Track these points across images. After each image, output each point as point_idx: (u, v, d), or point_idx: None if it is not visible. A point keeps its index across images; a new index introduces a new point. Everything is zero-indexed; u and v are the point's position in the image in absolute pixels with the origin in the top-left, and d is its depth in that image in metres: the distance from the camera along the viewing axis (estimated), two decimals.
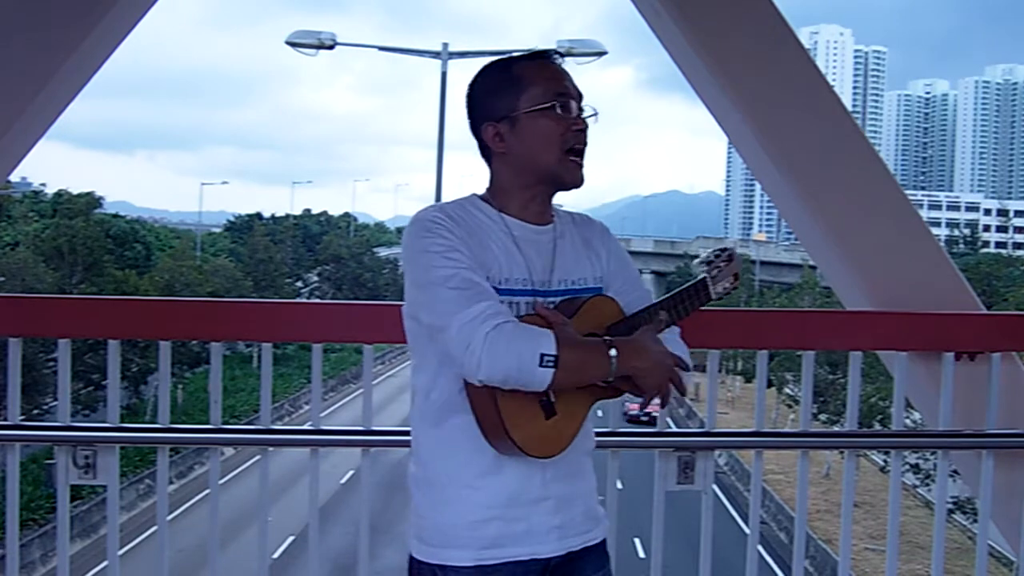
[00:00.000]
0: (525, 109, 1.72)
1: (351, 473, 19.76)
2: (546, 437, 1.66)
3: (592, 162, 1.85)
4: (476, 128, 1.78)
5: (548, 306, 1.70)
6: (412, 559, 1.75)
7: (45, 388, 21.39)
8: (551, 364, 1.57)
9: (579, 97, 1.76)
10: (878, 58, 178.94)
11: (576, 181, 1.76)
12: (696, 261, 1.86)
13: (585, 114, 1.76)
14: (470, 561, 1.69)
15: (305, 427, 2.81)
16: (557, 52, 1.81)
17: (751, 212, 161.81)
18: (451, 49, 15.09)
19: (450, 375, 1.67)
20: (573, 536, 1.77)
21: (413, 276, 1.69)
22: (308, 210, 68.50)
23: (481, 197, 1.79)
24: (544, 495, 1.72)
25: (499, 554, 1.70)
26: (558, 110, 1.72)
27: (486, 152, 1.79)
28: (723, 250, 1.85)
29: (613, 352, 1.61)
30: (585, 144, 1.76)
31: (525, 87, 1.73)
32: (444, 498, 1.71)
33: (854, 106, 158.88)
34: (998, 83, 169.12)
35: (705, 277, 1.82)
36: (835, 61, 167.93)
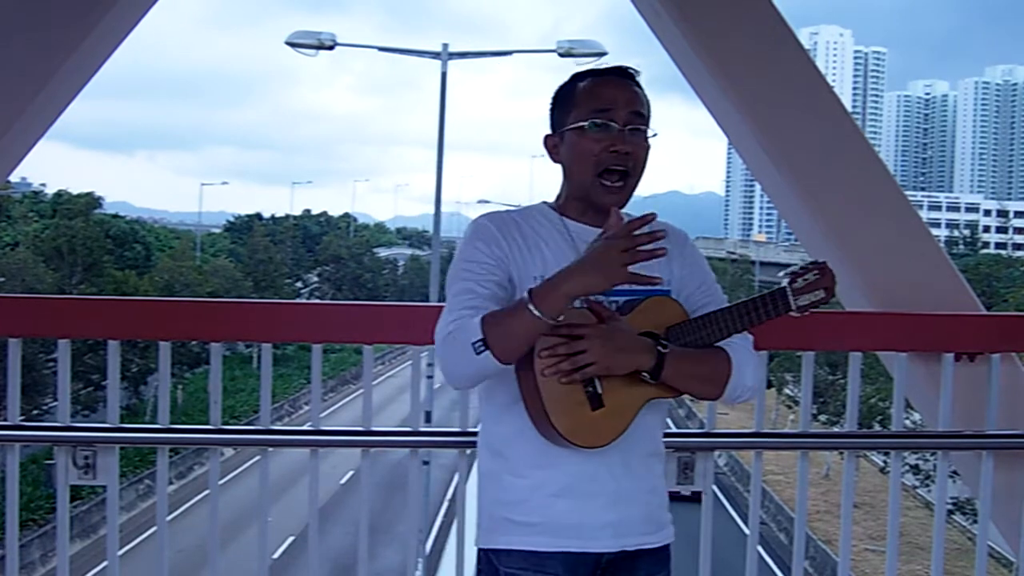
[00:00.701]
0: (569, 126, 1.80)
1: (351, 473, 19.77)
2: (592, 428, 1.68)
3: None
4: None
5: (608, 305, 1.73)
6: (477, 551, 1.83)
7: (45, 388, 21.38)
8: (483, 347, 1.62)
9: (630, 116, 1.77)
10: (878, 59, 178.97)
11: (603, 203, 1.77)
12: (783, 272, 1.82)
13: (633, 132, 1.77)
14: (519, 545, 1.74)
15: (305, 427, 2.81)
16: (622, 68, 1.83)
17: (751, 212, 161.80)
18: (451, 49, 15.10)
19: (507, 374, 1.71)
20: (629, 536, 1.78)
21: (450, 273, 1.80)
22: (308, 210, 68.53)
23: (549, 204, 1.87)
24: (599, 490, 1.74)
25: (551, 543, 1.74)
26: (593, 130, 1.76)
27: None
28: (817, 263, 1.82)
29: (527, 298, 1.61)
30: (625, 164, 1.77)
31: (575, 104, 1.80)
32: (500, 486, 1.78)
33: (854, 107, 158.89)
34: (998, 84, 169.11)
35: (785, 287, 1.78)
36: (835, 62, 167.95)
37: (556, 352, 1.64)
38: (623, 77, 1.82)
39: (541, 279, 1.69)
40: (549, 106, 1.87)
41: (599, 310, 1.69)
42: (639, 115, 1.79)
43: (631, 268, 1.61)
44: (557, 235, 1.80)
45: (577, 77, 1.84)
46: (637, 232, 1.62)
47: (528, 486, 1.75)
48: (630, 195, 1.82)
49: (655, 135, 1.81)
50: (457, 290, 1.74)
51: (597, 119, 1.76)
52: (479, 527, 1.83)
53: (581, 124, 1.77)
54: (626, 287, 1.72)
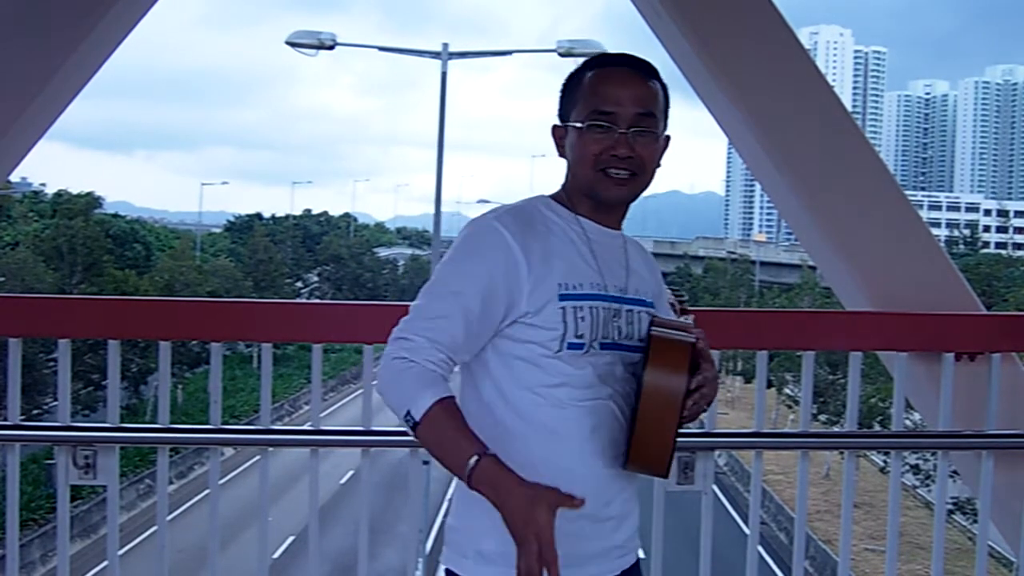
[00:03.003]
0: (571, 122, 1.67)
1: (351, 473, 19.76)
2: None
3: None
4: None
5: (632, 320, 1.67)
6: (448, 574, 1.66)
7: (45, 388, 21.38)
8: (411, 424, 1.51)
9: (636, 117, 1.64)
10: (878, 58, 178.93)
11: (611, 197, 1.67)
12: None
13: (639, 133, 1.64)
14: None
15: (305, 427, 2.81)
16: (636, 60, 1.69)
17: (751, 212, 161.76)
18: (451, 49, 15.10)
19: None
20: (627, 554, 1.74)
21: (438, 269, 1.65)
22: (308, 210, 68.50)
23: (554, 197, 1.72)
24: (611, 513, 1.69)
25: (572, 573, 1.58)
26: (594, 132, 1.64)
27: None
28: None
29: (472, 462, 1.45)
30: (628, 169, 1.64)
31: (580, 99, 1.67)
32: None
33: (854, 106, 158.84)
34: (998, 84, 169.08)
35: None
36: (835, 61, 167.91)
37: (705, 397, 1.57)
38: (634, 70, 1.67)
39: (563, 287, 1.60)
40: (561, 90, 1.73)
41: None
42: (646, 115, 1.65)
43: None
44: (575, 236, 1.67)
45: (588, 64, 1.70)
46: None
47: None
48: (639, 192, 1.70)
49: (667, 136, 1.69)
50: (441, 308, 1.58)
51: (597, 121, 1.63)
52: (488, 558, 1.62)
53: (579, 124, 1.65)
54: (636, 296, 1.70)
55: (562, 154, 1.72)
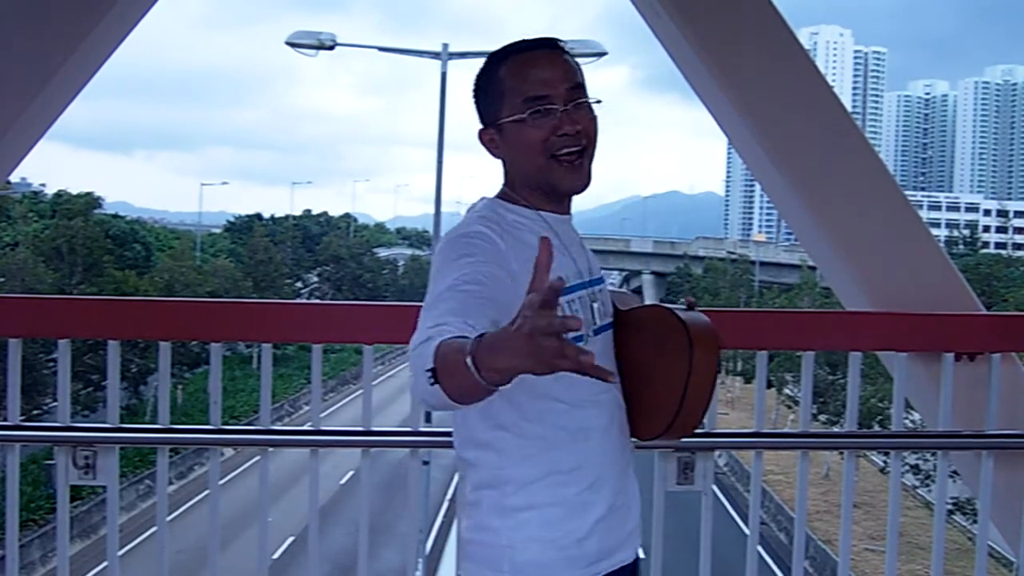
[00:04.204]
0: (505, 118, 1.61)
1: (351, 473, 19.76)
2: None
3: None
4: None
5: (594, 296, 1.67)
6: None
7: (45, 388, 21.38)
8: (432, 380, 1.30)
9: (569, 92, 1.60)
10: (878, 59, 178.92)
11: (570, 185, 1.63)
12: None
13: (576, 107, 1.60)
14: None
15: (305, 427, 2.81)
16: (545, 40, 1.65)
17: (751, 212, 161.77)
18: (450, 49, 15.09)
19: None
20: (637, 538, 1.76)
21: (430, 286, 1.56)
22: (308, 211, 68.47)
23: (501, 197, 1.67)
24: (625, 502, 1.71)
25: (601, 567, 1.65)
26: (536, 118, 1.59)
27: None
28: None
29: (470, 361, 1.24)
30: (579, 144, 1.61)
31: (506, 94, 1.61)
32: (544, 523, 1.60)
33: (854, 107, 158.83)
34: (998, 84, 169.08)
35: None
36: (835, 61, 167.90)
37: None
38: (548, 49, 1.64)
39: (560, 280, 1.40)
40: (472, 96, 1.67)
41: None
42: (578, 87, 1.62)
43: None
44: (541, 231, 1.58)
45: (496, 58, 1.65)
46: (546, 296, 1.18)
47: (579, 516, 1.62)
48: (591, 170, 1.66)
49: (598, 102, 1.65)
50: (444, 308, 1.45)
51: (535, 107, 1.58)
52: (520, 568, 1.60)
53: (518, 117, 1.59)
54: (599, 276, 1.72)
55: (497, 155, 1.67)
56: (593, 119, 1.65)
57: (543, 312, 1.15)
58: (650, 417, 1.68)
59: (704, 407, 1.62)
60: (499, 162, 1.70)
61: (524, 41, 1.66)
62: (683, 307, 1.67)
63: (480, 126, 1.68)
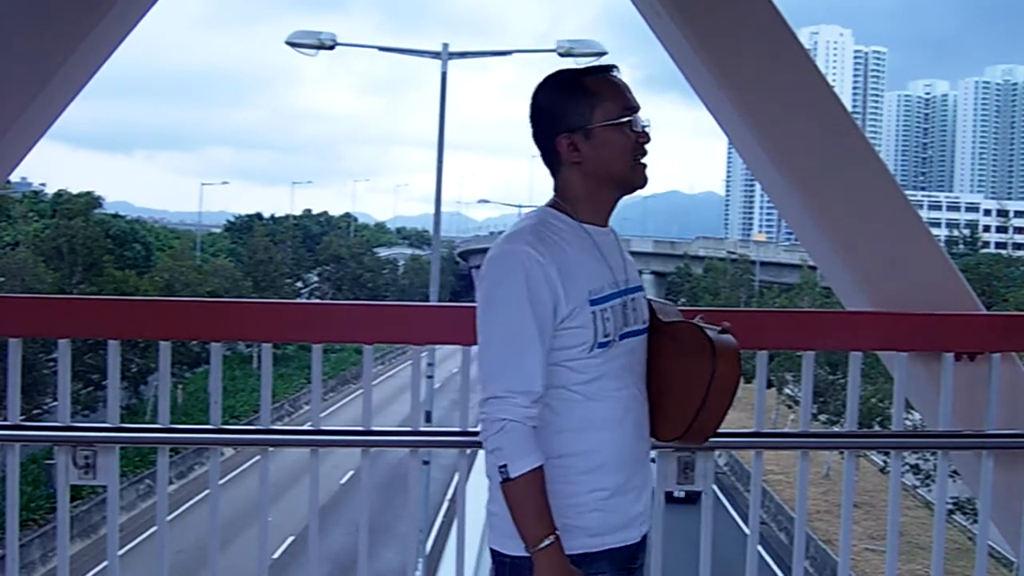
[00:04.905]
0: (600, 122, 1.81)
1: (351, 473, 19.78)
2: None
3: None
4: (545, 137, 1.85)
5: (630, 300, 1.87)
6: (505, 558, 1.82)
7: (45, 388, 21.37)
8: (504, 478, 1.72)
9: (639, 109, 1.87)
10: (878, 58, 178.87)
11: (645, 183, 1.88)
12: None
13: (646, 125, 1.86)
14: (578, 549, 1.79)
15: (305, 427, 2.81)
16: (615, 66, 1.90)
17: (751, 212, 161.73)
18: (451, 49, 15.09)
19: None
20: (645, 524, 1.93)
21: (485, 311, 1.78)
22: (308, 210, 68.52)
23: (553, 206, 1.86)
24: (634, 485, 1.87)
25: (603, 542, 1.83)
26: (630, 127, 1.83)
27: (554, 160, 1.86)
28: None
29: (545, 543, 1.72)
30: (647, 153, 1.87)
31: (599, 101, 1.82)
32: (554, 491, 1.77)
33: (854, 106, 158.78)
34: (998, 83, 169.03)
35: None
36: (835, 61, 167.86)
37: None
38: (618, 73, 1.89)
39: (591, 293, 1.78)
40: (545, 108, 1.85)
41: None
42: (639, 107, 1.88)
43: None
44: (584, 242, 1.84)
45: (580, 74, 1.86)
46: None
47: (583, 491, 1.81)
48: None
49: (649, 125, 1.90)
50: (518, 349, 1.73)
51: (631, 116, 1.83)
52: (507, 533, 1.79)
53: (618, 120, 1.82)
54: (634, 284, 1.91)
55: (575, 161, 1.83)
56: None
57: None
58: (670, 420, 1.88)
59: (719, 418, 1.84)
60: (549, 174, 1.89)
61: (605, 64, 1.90)
62: (716, 328, 1.88)
63: (544, 135, 1.85)
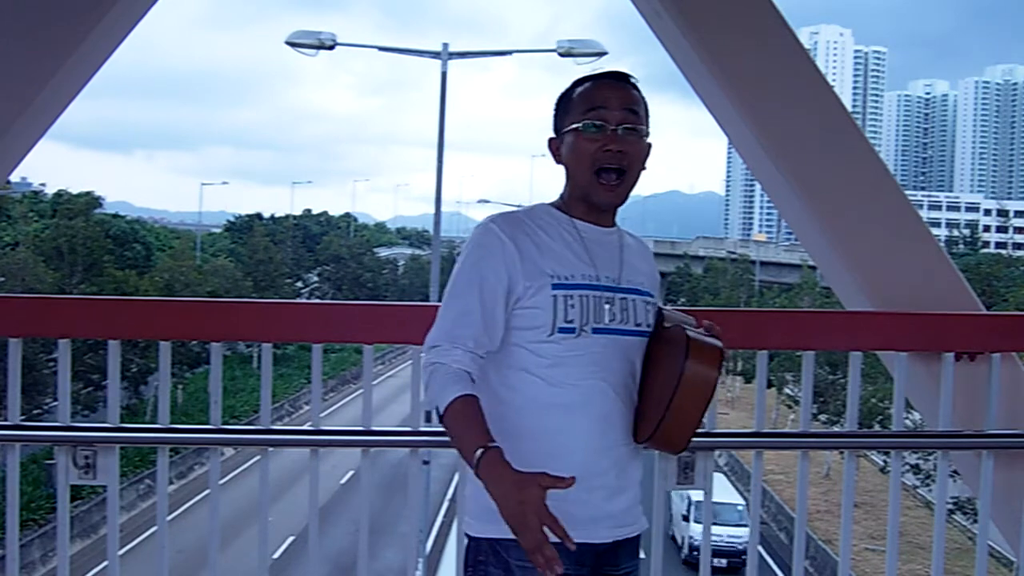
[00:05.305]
0: (565, 128, 1.88)
1: (351, 473, 19.77)
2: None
3: None
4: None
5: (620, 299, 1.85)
6: (470, 539, 1.87)
7: (45, 388, 21.37)
8: (439, 418, 1.75)
9: (624, 115, 1.83)
10: (878, 58, 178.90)
11: (603, 202, 1.87)
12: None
13: (626, 131, 1.83)
14: None
15: (305, 427, 2.81)
16: (618, 72, 1.90)
17: (751, 212, 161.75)
18: (451, 49, 15.09)
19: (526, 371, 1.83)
20: (620, 526, 1.87)
21: (452, 275, 1.86)
22: (308, 210, 68.49)
23: (554, 204, 1.92)
24: (602, 484, 1.83)
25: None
26: (588, 131, 1.83)
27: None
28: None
29: (479, 453, 1.66)
30: (620, 164, 1.83)
31: (572, 107, 1.87)
32: None
33: (854, 106, 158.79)
34: (998, 83, 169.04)
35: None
36: (835, 61, 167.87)
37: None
38: (618, 80, 1.89)
39: (553, 277, 1.80)
40: (553, 112, 1.93)
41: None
42: (632, 113, 1.85)
43: None
44: (567, 235, 1.86)
45: (577, 82, 1.91)
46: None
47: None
48: (627, 193, 1.89)
49: (649, 143, 1.88)
50: (458, 307, 1.81)
51: (591, 119, 1.83)
52: (478, 516, 1.84)
53: (576, 125, 1.84)
54: (630, 286, 1.88)
55: (559, 162, 1.91)
56: (641, 147, 1.87)
57: (538, 492, 1.57)
58: (645, 420, 1.84)
59: (691, 419, 1.77)
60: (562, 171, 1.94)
61: (603, 71, 1.92)
62: (703, 331, 1.82)
63: (551, 136, 1.93)
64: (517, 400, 1.81)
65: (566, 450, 1.79)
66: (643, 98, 1.89)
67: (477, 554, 1.85)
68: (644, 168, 1.90)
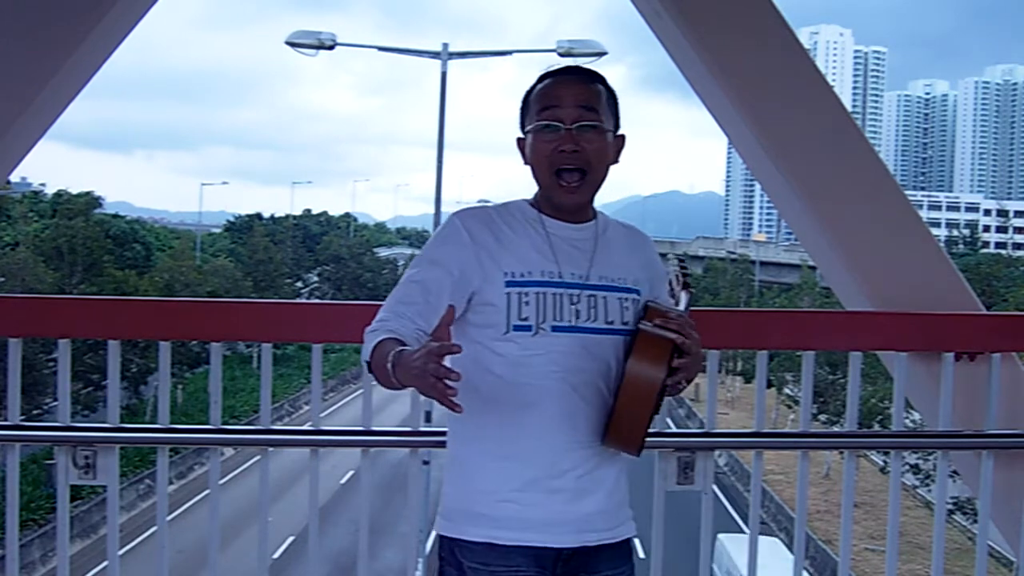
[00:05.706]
0: (526, 128, 1.84)
1: (351, 473, 19.76)
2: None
3: None
4: None
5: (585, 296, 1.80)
6: (438, 536, 1.85)
7: (45, 388, 21.37)
8: (368, 369, 1.69)
9: (579, 112, 1.78)
10: (878, 58, 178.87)
11: (564, 203, 1.83)
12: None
13: (581, 128, 1.78)
14: (482, 538, 1.76)
15: (305, 427, 2.81)
16: (572, 67, 1.87)
17: (751, 212, 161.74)
18: (450, 49, 15.09)
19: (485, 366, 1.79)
20: (590, 532, 1.80)
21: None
22: (308, 210, 68.49)
23: (528, 201, 1.88)
24: (563, 486, 1.77)
25: (515, 537, 1.76)
26: (543, 132, 1.80)
27: None
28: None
29: (390, 366, 1.60)
30: (577, 164, 1.79)
31: (530, 108, 1.84)
32: (467, 476, 1.81)
33: (854, 106, 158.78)
34: (998, 83, 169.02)
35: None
36: (835, 61, 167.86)
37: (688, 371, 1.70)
38: (574, 76, 1.84)
39: (508, 274, 1.77)
40: (519, 111, 1.90)
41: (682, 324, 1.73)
42: (588, 110, 1.79)
43: None
44: (533, 232, 1.82)
45: (537, 79, 1.87)
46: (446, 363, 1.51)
47: (496, 478, 1.77)
48: (591, 193, 1.84)
49: (610, 131, 1.82)
50: (403, 290, 1.80)
51: (544, 119, 1.80)
52: (443, 514, 1.84)
53: (532, 127, 1.82)
54: (601, 282, 1.82)
55: (526, 162, 1.86)
56: (600, 144, 1.80)
57: (433, 357, 1.47)
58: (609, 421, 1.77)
59: (640, 421, 1.70)
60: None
61: (563, 67, 1.88)
62: (660, 324, 1.73)
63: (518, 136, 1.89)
64: (477, 402, 1.75)
65: (522, 450, 1.76)
66: (604, 90, 1.83)
67: (440, 551, 1.84)
68: (615, 162, 1.85)
